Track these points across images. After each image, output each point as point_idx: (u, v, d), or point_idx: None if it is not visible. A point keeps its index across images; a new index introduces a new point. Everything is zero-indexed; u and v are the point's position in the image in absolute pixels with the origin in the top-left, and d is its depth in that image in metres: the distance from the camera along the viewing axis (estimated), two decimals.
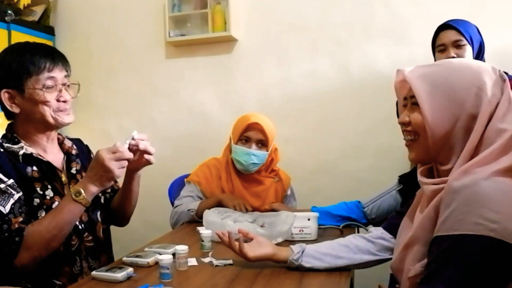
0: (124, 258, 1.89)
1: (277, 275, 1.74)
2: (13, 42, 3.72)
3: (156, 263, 1.80)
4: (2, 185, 1.76)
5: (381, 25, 3.59)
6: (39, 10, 4.20)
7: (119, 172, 1.78)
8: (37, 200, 1.85)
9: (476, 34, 2.74)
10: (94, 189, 1.78)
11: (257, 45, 3.91)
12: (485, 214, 1.15)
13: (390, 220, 1.85)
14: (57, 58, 1.93)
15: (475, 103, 1.31)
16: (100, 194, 2.15)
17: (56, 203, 1.90)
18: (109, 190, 2.27)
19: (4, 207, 1.73)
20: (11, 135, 1.93)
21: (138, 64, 4.10)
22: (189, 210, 2.63)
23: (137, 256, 1.87)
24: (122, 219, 2.30)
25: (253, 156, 2.75)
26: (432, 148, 1.37)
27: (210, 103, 4.03)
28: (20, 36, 3.86)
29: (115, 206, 2.25)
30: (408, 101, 1.45)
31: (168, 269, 1.67)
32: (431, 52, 2.86)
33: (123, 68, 4.13)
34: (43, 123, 1.92)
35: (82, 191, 1.76)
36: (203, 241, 2.08)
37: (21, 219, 1.75)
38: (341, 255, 1.78)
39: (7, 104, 1.89)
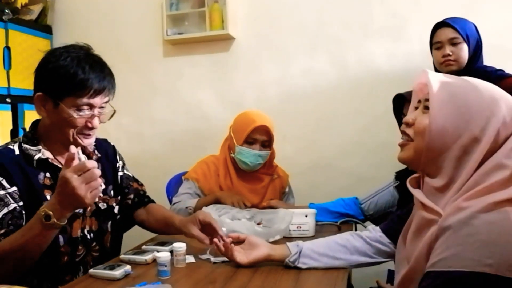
0: (122, 256, 1.90)
1: (275, 271, 1.74)
2: (10, 41, 3.77)
3: (154, 260, 1.81)
4: (2, 192, 1.72)
5: (378, 22, 3.59)
6: (36, 9, 4.19)
7: (91, 198, 1.60)
8: None
9: (473, 32, 2.74)
10: (66, 213, 1.62)
11: (254, 43, 3.91)
12: (480, 250, 1.12)
13: (390, 224, 1.83)
14: (106, 83, 1.84)
15: (482, 125, 1.26)
16: (114, 204, 2.11)
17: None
18: (131, 196, 2.22)
19: None
20: (32, 135, 1.89)
21: (136, 62, 4.09)
22: (187, 207, 2.63)
23: (135, 254, 1.88)
24: (144, 228, 2.29)
25: (259, 157, 2.77)
26: (424, 156, 1.35)
27: (208, 101, 4.03)
28: (17, 35, 3.86)
29: (146, 223, 2.24)
30: (422, 103, 1.41)
31: (166, 266, 1.68)
32: (429, 49, 2.86)
33: (121, 67, 4.06)
34: (61, 139, 1.86)
35: (52, 216, 1.58)
36: None
37: (2, 231, 1.68)
38: (338, 255, 1.77)
39: (36, 105, 1.83)
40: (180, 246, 1.81)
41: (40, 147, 1.87)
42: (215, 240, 1.85)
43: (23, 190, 1.77)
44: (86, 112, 1.81)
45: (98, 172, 1.60)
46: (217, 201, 2.60)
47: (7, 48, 3.77)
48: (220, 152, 2.98)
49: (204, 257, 1.90)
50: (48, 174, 1.86)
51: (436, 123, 1.30)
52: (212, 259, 1.87)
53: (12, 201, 1.73)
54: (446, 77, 1.37)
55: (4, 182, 1.74)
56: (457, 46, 2.67)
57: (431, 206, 1.30)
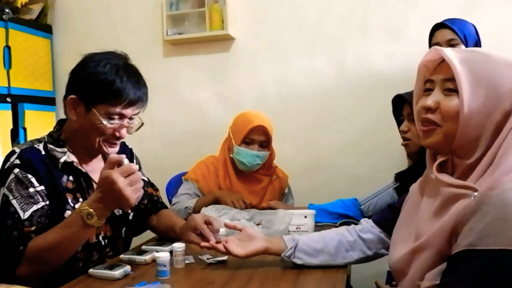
0: (122, 256, 1.89)
1: (274, 272, 1.74)
2: (10, 40, 3.77)
3: (154, 260, 1.80)
4: (32, 190, 1.73)
5: (377, 22, 3.60)
6: (36, 8, 4.19)
7: (136, 199, 1.65)
8: (68, 212, 1.80)
9: (472, 33, 2.75)
10: (107, 212, 1.66)
11: (254, 43, 3.91)
12: None
13: (382, 214, 1.83)
14: (141, 95, 1.86)
15: (511, 99, 1.23)
16: (129, 210, 2.12)
17: None
18: (145, 201, 2.22)
19: (24, 212, 1.69)
20: (58, 136, 1.89)
21: (136, 62, 3.91)
22: (186, 207, 2.63)
23: (135, 254, 1.88)
24: (155, 233, 2.30)
25: (256, 157, 2.78)
26: (458, 140, 1.27)
27: (208, 101, 4.03)
28: (17, 35, 3.86)
29: (157, 228, 2.25)
30: (437, 85, 1.33)
31: (165, 266, 1.68)
32: (427, 49, 2.86)
33: None
34: (86, 145, 1.87)
35: (95, 214, 1.61)
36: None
37: (33, 228, 1.69)
38: (333, 251, 1.76)
39: (68, 107, 1.83)
40: (179, 246, 1.81)
41: (65, 149, 1.87)
42: (203, 244, 1.84)
43: (48, 191, 1.78)
44: (116, 121, 1.82)
45: (140, 175, 1.65)
46: (216, 201, 2.60)
47: (7, 47, 3.77)
48: (220, 152, 2.98)
49: (203, 257, 1.90)
50: (71, 178, 1.87)
51: (469, 104, 1.23)
52: (208, 260, 1.87)
53: (40, 199, 1.74)
54: (461, 53, 1.30)
55: (33, 180, 1.75)
56: (455, 48, 2.67)
57: (462, 184, 1.23)
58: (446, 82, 1.30)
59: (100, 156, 2.02)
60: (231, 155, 2.83)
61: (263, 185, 2.91)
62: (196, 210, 2.55)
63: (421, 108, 1.35)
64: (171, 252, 1.82)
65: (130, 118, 1.88)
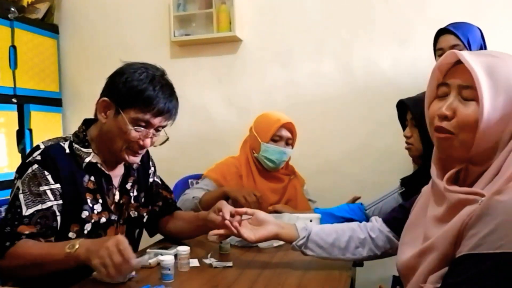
0: None
1: (278, 276, 1.74)
2: (16, 40, 3.76)
3: (158, 264, 1.79)
4: (43, 188, 1.74)
5: (384, 27, 3.59)
6: (43, 8, 4.18)
7: (99, 267, 1.50)
8: (86, 213, 1.83)
9: (476, 37, 2.74)
10: (83, 253, 1.56)
11: (261, 46, 3.90)
12: None
13: (392, 214, 1.83)
14: (171, 107, 1.89)
15: None
16: (145, 213, 2.15)
17: (104, 219, 1.90)
18: (160, 204, 2.24)
19: (28, 208, 1.70)
20: (84, 136, 1.92)
21: None
22: (193, 197, 2.63)
23: (139, 257, 1.87)
24: (166, 236, 2.30)
25: (284, 154, 2.84)
26: (475, 148, 1.24)
27: (215, 103, 4.02)
28: (23, 34, 3.85)
29: (173, 229, 2.24)
30: (452, 91, 1.29)
31: (169, 270, 1.67)
32: (433, 54, 2.87)
33: None
34: (111, 149, 1.89)
35: (77, 246, 1.57)
36: (221, 243, 2.05)
37: (28, 231, 1.68)
38: (343, 246, 1.77)
39: (98, 109, 1.87)
40: (184, 249, 1.81)
41: (90, 150, 1.89)
42: (226, 222, 1.83)
43: (66, 189, 1.79)
44: (142, 129, 1.84)
45: (130, 269, 1.58)
46: (224, 195, 2.58)
47: (13, 47, 3.75)
48: (241, 153, 3.00)
49: (207, 261, 1.89)
50: (92, 178, 1.89)
51: (489, 113, 1.19)
52: (214, 263, 1.86)
53: (51, 198, 1.75)
54: (479, 57, 1.25)
55: (49, 177, 1.76)
56: (473, 51, 2.66)
57: (469, 190, 1.21)
58: (463, 89, 1.26)
59: (122, 162, 2.04)
60: (255, 155, 2.86)
61: (284, 184, 2.95)
62: (203, 202, 2.56)
63: (436, 115, 1.31)
64: (175, 255, 1.82)
65: (157, 130, 1.91)
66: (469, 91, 1.24)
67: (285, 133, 2.85)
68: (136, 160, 1.94)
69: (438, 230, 1.26)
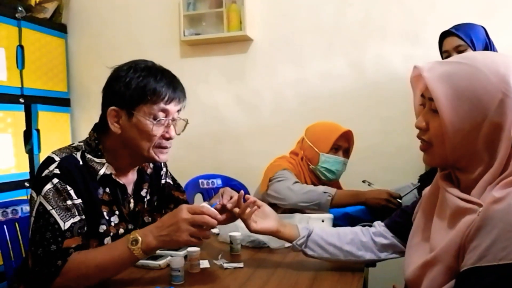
0: None
1: (290, 276, 1.72)
2: (23, 40, 3.75)
3: (168, 265, 1.76)
4: (70, 202, 1.66)
5: (396, 25, 3.58)
6: (51, 7, 4.18)
7: (187, 239, 1.58)
8: (103, 227, 1.76)
9: (479, 35, 2.74)
10: (153, 244, 1.60)
11: (272, 45, 3.89)
12: None
13: (394, 218, 1.80)
14: (178, 90, 1.83)
15: (499, 110, 1.17)
16: (158, 218, 2.05)
17: (122, 230, 1.84)
18: (172, 206, 2.18)
19: (65, 222, 1.63)
20: (96, 145, 1.83)
21: None
22: (325, 192, 2.54)
23: (149, 258, 1.83)
24: None
25: (343, 164, 2.77)
26: (450, 156, 1.27)
27: (225, 103, 4.01)
28: (31, 34, 3.84)
29: None
30: (426, 102, 1.33)
31: (179, 271, 1.63)
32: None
33: None
34: (136, 154, 1.83)
35: (140, 240, 1.59)
36: (232, 243, 2.03)
37: (74, 244, 1.63)
38: (345, 248, 1.75)
39: (110, 121, 1.77)
40: (194, 250, 1.77)
41: (104, 160, 1.82)
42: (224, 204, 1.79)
43: (86, 204, 1.73)
44: (162, 119, 1.79)
45: (211, 221, 1.61)
46: (363, 202, 2.56)
47: (21, 47, 3.74)
48: (293, 165, 2.83)
49: (218, 262, 1.85)
50: (107, 190, 1.81)
51: (451, 125, 1.21)
52: (225, 265, 1.83)
53: (77, 213, 1.68)
54: (441, 67, 1.27)
55: (72, 192, 1.68)
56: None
57: (468, 198, 1.21)
58: (432, 102, 1.28)
59: (135, 168, 1.98)
60: (313, 167, 2.77)
61: None
62: (335, 200, 2.53)
63: (416, 127, 1.37)
64: (185, 256, 1.79)
65: (173, 119, 1.85)
66: (434, 104, 1.26)
67: (343, 143, 2.77)
68: (165, 157, 1.88)
69: (441, 238, 1.27)
